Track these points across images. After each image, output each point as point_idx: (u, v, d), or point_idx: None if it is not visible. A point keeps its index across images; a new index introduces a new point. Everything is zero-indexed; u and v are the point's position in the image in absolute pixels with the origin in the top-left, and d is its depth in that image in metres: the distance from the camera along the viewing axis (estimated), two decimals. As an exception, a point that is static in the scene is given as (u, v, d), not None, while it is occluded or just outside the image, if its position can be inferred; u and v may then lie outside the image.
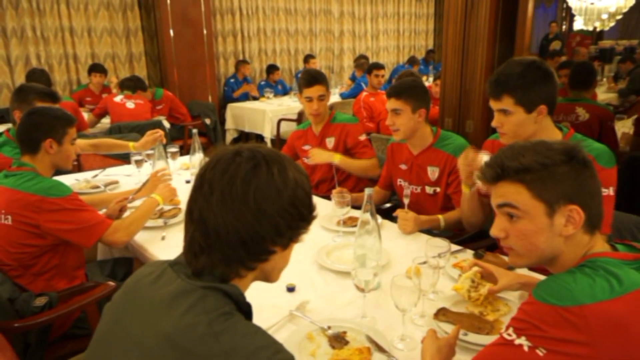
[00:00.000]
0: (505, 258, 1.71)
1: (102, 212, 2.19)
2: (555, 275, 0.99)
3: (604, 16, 4.69)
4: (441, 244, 1.54)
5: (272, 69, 7.14)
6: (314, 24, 8.42)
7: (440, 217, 2.12)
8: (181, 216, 2.12)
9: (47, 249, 1.83)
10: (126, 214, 2.21)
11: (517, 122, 1.67)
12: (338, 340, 1.30)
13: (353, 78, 7.34)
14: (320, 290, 1.60)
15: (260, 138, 6.07)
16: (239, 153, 0.91)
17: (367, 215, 1.58)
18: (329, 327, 1.35)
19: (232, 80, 6.95)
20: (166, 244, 1.96)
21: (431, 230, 2.11)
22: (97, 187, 2.70)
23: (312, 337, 1.33)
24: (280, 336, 1.30)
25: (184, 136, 5.19)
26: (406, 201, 2.12)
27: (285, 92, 7.19)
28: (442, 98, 3.39)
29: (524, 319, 0.94)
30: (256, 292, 1.40)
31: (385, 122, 2.36)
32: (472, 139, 3.06)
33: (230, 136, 6.47)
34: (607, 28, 4.82)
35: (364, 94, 5.01)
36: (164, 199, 2.13)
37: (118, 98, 4.71)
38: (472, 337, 1.29)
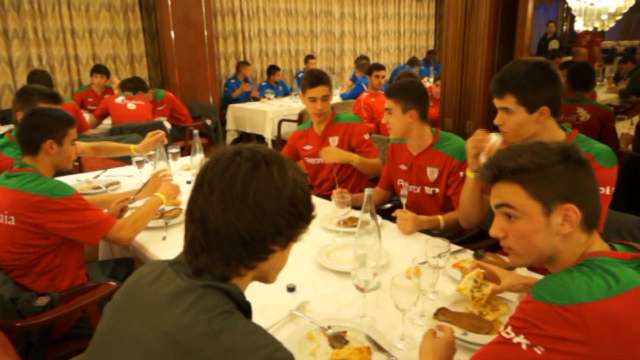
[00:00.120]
0: (506, 258, 1.72)
1: (104, 211, 2.21)
2: (553, 274, 0.99)
3: (604, 17, 4.69)
4: (441, 244, 1.54)
5: (273, 69, 7.15)
6: (314, 25, 8.43)
7: (439, 217, 2.12)
8: (182, 216, 2.13)
9: (50, 248, 1.84)
10: (127, 214, 2.22)
11: (518, 121, 1.68)
12: (338, 339, 1.31)
13: (354, 79, 7.34)
14: (321, 290, 1.61)
15: (261, 139, 6.08)
16: (239, 153, 0.92)
17: (367, 216, 1.58)
18: (329, 327, 1.35)
19: (232, 81, 6.96)
20: (167, 244, 1.97)
21: (431, 231, 2.12)
22: (99, 187, 2.71)
23: (312, 337, 1.33)
24: (280, 336, 1.31)
25: (185, 137, 5.20)
26: (404, 201, 2.13)
27: (286, 92, 7.20)
28: (442, 99, 3.40)
29: (523, 318, 0.95)
30: (257, 292, 1.40)
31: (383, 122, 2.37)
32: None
33: (231, 137, 6.48)
34: (607, 28, 4.82)
35: (365, 94, 5.01)
36: (167, 197, 2.14)
37: (119, 99, 4.72)
38: (472, 337, 1.29)
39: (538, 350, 0.91)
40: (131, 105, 4.69)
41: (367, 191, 1.59)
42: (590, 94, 3.62)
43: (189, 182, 2.78)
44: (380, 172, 2.64)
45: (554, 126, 1.72)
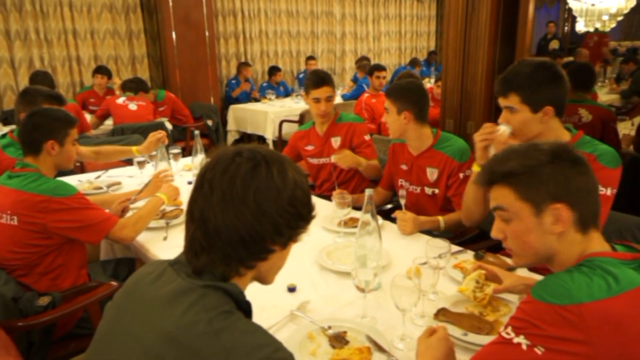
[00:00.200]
0: (506, 259, 1.73)
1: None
2: (554, 274, 1.00)
3: (605, 17, 4.69)
4: (441, 244, 1.55)
5: (274, 70, 7.16)
6: (315, 26, 8.44)
7: (440, 218, 2.12)
8: (183, 217, 2.12)
9: (52, 248, 1.85)
10: (128, 214, 2.23)
11: (522, 121, 1.68)
12: (338, 340, 1.31)
13: (355, 80, 7.35)
14: (321, 291, 1.61)
15: (262, 139, 6.08)
16: (239, 153, 0.92)
17: (368, 216, 1.58)
18: (330, 327, 1.36)
19: (233, 81, 6.97)
20: (168, 244, 1.98)
21: (431, 231, 2.12)
22: (100, 188, 2.72)
23: (312, 337, 1.34)
24: (281, 336, 1.31)
25: (186, 137, 5.21)
26: (402, 202, 2.13)
27: (287, 93, 7.21)
28: (443, 99, 3.40)
29: (523, 318, 0.95)
30: (257, 292, 1.41)
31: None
32: (473, 141, 3.07)
33: (232, 137, 6.48)
34: (608, 29, 4.82)
35: (366, 95, 5.02)
36: (168, 197, 2.15)
37: (120, 100, 4.73)
38: (472, 337, 1.29)
39: (538, 351, 0.91)
40: (132, 106, 4.70)
41: (368, 192, 1.59)
42: (591, 95, 3.62)
43: (190, 183, 2.79)
44: (380, 174, 2.63)
45: (559, 126, 1.72)
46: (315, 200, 2.43)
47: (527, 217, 1.03)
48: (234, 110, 6.43)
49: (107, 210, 2.17)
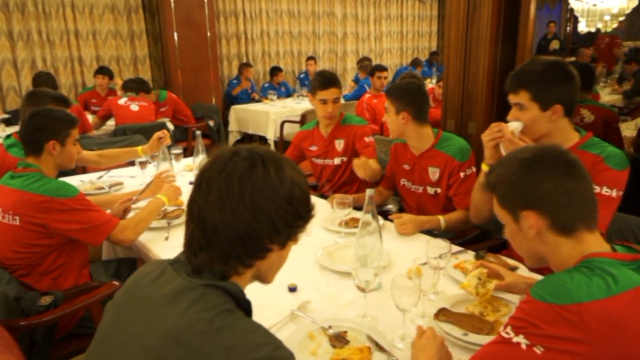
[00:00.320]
0: (507, 259, 1.73)
1: (107, 212, 2.22)
2: (553, 274, 1.01)
3: (607, 17, 4.68)
4: (442, 244, 1.55)
5: (275, 71, 7.17)
6: (317, 26, 8.44)
7: (440, 217, 2.13)
8: (184, 217, 2.14)
9: (54, 248, 1.86)
10: (130, 214, 2.23)
11: (531, 118, 1.67)
12: (339, 339, 1.32)
13: (356, 80, 7.35)
14: (322, 291, 1.62)
15: (263, 140, 6.09)
16: (236, 153, 0.93)
17: (369, 216, 1.59)
18: (330, 327, 1.36)
19: (234, 81, 6.99)
20: (169, 244, 1.98)
21: (432, 231, 2.12)
22: (102, 188, 2.73)
23: (313, 337, 1.34)
24: (281, 335, 1.31)
25: (187, 138, 5.22)
26: (393, 208, 2.12)
27: (288, 94, 7.22)
28: (444, 100, 3.41)
29: (522, 318, 0.95)
30: (258, 292, 1.41)
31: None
32: (474, 141, 3.07)
33: (233, 138, 6.49)
34: (609, 29, 4.81)
35: (367, 95, 5.02)
36: (169, 199, 2.15)
37: (122, 100, 4.74)
38: (472, 337, 1.29)
39: (537, 350, 0.91)
40: (134, 107, 4.71)
41: (369, 192, 1.60)
42: (592, 95, 3.62)
43: (191, 183, 2.79)
44: (380, 175, 2.59)
45: (568, 126, 1.71)
46: (316, 200, 2.44)
47: (510, 223, 1.11)
48: (236, 111, 6.44)
49: (108, 211, 2.19)
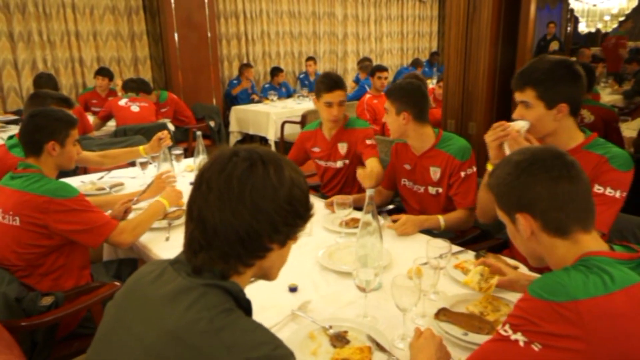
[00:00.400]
0: (507, 259, 1.73)
1: (107, 213, 2.22)
2: (551, 272, 1.01)
3: (607, 18, 4.68)
4: (442, 244, 1.55)
5: (276, 71, 7.17)
6: (317, 27, 8.45)
7: (439, 217, 2.13)
8: (185, 217, 2.14)
9: (54, 248, 1.86)
10: (131, 215, 2.24)
11: (536, 116, 1.66)
12: (339, 339, 1.32)
13: (357, 80, 7.36)
14: (322, 291, 1.62)
15: (264, 140, 6.10)
16: (236, 153, 0.93)
17: (369, 217, 1.59)
18: (330, 327, 1.36)
19: (235, 81, 6.99)
20: (170, 245, 1.99)
21: (432, 231, 2.12)
22: (103, 189, 2.73)
23: (313, 336, 1.34)
24: (282, 335, 1.31)
25: (188, 139, 5.23)
26: (387, 221, 2.09)
27: (289, 94, 7.22)
28: (444, 100, 3.41)
29: (520, 315, 0.96)
30: (259, 292, 1.42)
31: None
32: (474, 141, 3.07)
33: (234, 138, 6.50)
34: (610, 29, 4.81)
35: (367, 96, 5.02)
36: (170, 202, 2.14)
37: (122, 101, 4.74)
38: (472, 337, 1.30)
39: (535, 347, 0.92)
40: (135, 108, 4.72)
41: (369, 192, 1.60)
42: (592, 95, 3.62)
43: (192, 184, 2.79)
44: (382, 178, 2.52)
45: (573, 126, 1.71)
46: (317, 200, 2.44)
47: (508, 224, 1.14)
48: (236, 112, 6.44)
49: (109, 211, 2.19)
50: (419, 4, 10.08)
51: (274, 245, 0.95)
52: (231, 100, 6.86)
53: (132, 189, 2.66)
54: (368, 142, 2.59)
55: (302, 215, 0.97)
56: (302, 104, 6.34)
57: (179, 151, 3.07)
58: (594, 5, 4.63)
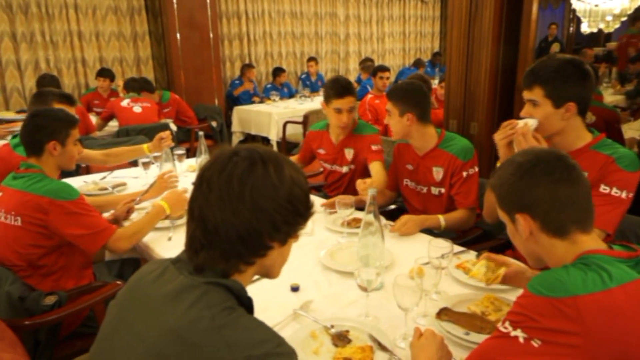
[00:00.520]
0: (509, 260, 1.73)
1: (110, 213, 2.23)
2: (550, 269, 1.03)
3: (609, 18, 4.67)
4: (444, 244, 1.56)
5: (278, 71, 7.17)
6: (319, 27, 8.45)
7: (440, 216, 2.13)
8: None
9: (54, 249, 1.86)
10: (134, 215, 2.24)
11: (543, 115, 1.66)
12: (341, 338, 1.32)
13: (358, 81, 7.36)
14: (324, 290, 1.62)
15: (266, 141, 6.11)
16: (236, 153, 0.94)
17: (371, 217, 1.59)
18: (332, 326, 1.37)
19: (237, 82, 7.00)
20: (172, 245, 1.99)
21: (433, 231, 2.12)
22: (105, 188, 2.74)
23: (315, 336, 1.35)
24: (284, 334, 1.31)
25: (190, 139, 5.24)
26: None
27: (291, 94, 7.23)
28: (446, 100, 3.41)
29: (520, 312, 0.97)
30: (261, 292, 1.42)
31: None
32: (476, 141, 3.07)
33: (236, 139, 6.51)
34: (612, 30, 4.80)
35: (369, 96, 5.02)
36: (172, 207, 2.10)
37: (125, 102, 4.75)
38: (474, 337, 1.30)
39: (535, 344, 0.93)
40: (137, 109, 4.73)
41: (371, 192, 1.60)
42: (594, 96, 3.60)
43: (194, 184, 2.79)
44: (384, 185, 2.48)
45: (580, 125, 1.70)
46: (319, 199, 2.44)
47: (508, 223, 1.15)
48: (238, 112, 6.45)
49: (112, 212, 2.20)
50: (421, 4, 10.07)
51: (274, 243, 0.96)
52: (233, 101, 6.87)
53: (134, 189, 2.66)
54: (374, 147, 2.54)
55: (303, 213, 0.98)
56: (304, 104, 6.35)
57: (181, 151, 3.08)
58: (596, 6, 4.62)
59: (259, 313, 0.98)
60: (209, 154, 2.84)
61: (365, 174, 2.58)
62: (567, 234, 1.06)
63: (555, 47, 8.75)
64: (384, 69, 5.12)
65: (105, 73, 5.48)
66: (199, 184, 0.94)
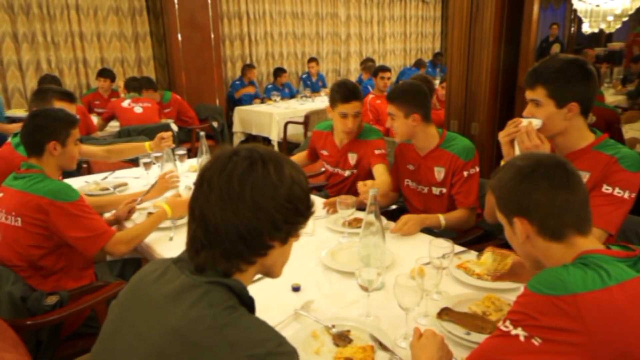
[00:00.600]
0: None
1: (112, 213, 2.24)
2: (549, 268, 1.03)
3: (610, 18, 4.66)
4: (445, 245, 1.56)
5: (279, 72, 7.18)
6: (320, 27, 8.46)
7: (440, 215, 2.13)
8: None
9: (53, 249, 1.86)
10: (135, 215, 2.25)
11: (546, 115, 1.65)
12: (342, 338, 1.32)
13: (360, 81, 7.36)
14: (325, 290, 1.63)
15: (267, 141, 6.11)
16: (236, 153, 0.95)
17: (372, 217, 1.60)
18: (333, 326, 1.37)
19: (237, 82, 7.00)
20: (174, 245, 2.00)
21: (433, 230, 2.13)
22: (107, 189, 2.74)
23: (316, 336, 1.35)
24: (285, 334, 1.30)
25: (191, 139, 5.24)
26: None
27: (292, 95, 7.23)
28: (447, 101, 3.41)
29: (520, 311, 0.98)
30: (262, 291, 1.43)
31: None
32: (477, 141, 3.08)
33: (237, 139, 6.51)
34: (613, 30, 4.79)
35: (370, 96, 5.02)
36: (174, 211, 2.09)
37: (125, 103, 4.76)
38: (475, 337, 1.30)
39: (535, 342, 0.93)
40: (138, 109, 4.73)
41: (372, 192, 1.61)
42: (596, 96, 3.60)
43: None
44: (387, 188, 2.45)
45: (582, 125, 1.69)
46: (319, 199, 2.44)
47: (506, 225, 1.16)
48: (239, 112, 6.46)
49: (114, 211, 2.20)
50: (422, 4, 10.07)
51: (275, 242, 0.96)
52: (234, 102, 6.88)
53: (135, 189, 2.67)
54: (377, 152, 2.51)
55: (303, 212, 0.98)
56: (305, 105, 6.35)
57: (182, 151, 3.08)
58: (597, 6, 4.61)
59: (260, 313, 0.98)
60: (210, 154, 2.85)
61: (368, 178, 2.52)
62: (565, 238, 1.07)
63: (556, 48, 8.74)
64: (385, 69, 5.13)
65: (105, 73, 5.48)
66: (199, 184, 0.95)
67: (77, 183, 2.77)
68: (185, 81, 6.49)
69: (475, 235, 2.24)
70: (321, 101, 6.60)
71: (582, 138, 1.69)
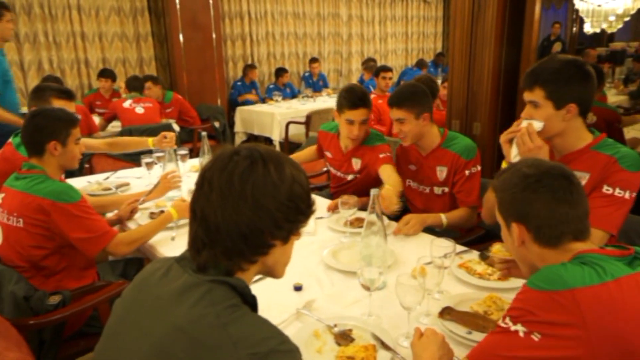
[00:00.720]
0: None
1: (114, 213, 2.24)
2: (548, 265, 1.04)
3: (612, 18, 4.66)
4: (446, 244, 1.56)
5: (280, 72, 7.19)
6: (322, 27, 8.47)
7: (441, 214, 2.13)
8: (191, 217, 2.14)
9: (55, 250, 1.87)
10: (137, 215, 2.25)
11: (544, 117, 1.64)
12: (344, 337, 1.33)
13: (361, 81, 7.36)
14: (327, 289, 1.63)
15: (269, 141, 6.12)
16: (236, 152, 0.95)
17: (374, 216, 1.60)
18: (335, 325, 1.37)
19: (239, 83, 7.01)
20: (176, 244, 2.00)
21: (435, 229, 2.13)
22: (109, 189, 2.75)
23: (318, 335, 1.35)
24: (287, 333, 1.31)
25: (193, 139, 5.25)
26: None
27: (293, 95, 7.24)
28: (449, 100, 3.41)
29: (519, 307, 0.99)
30: (264, 291, 1.43)
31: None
32: (479, 141, 3.07)
33: (239, 139, 6.52)
34: (615, 30, 4.79)
35: (372, 96, 5.01)
36: (179, 213, 2.09)
37: (127, 103, 4.77)
38: (476, 336, 1.30)
39: (535, 337, 0.95)
40: (139, 109, 4.74)
41: (373, 192, 1.61)
42: (598, 96, 3.60)
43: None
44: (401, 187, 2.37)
45: (581, 126, 1.69)
46: (320, 198, 2.44)
47: (503, 227, 1.19)
48: (241, 112, 6.47)
49: (116, 211, 2.20)
50: (424, 4, 10.07)
51: (276, 241, 0.97)
52: (235, 103, 6.88)
53: (138, 189, 2.68)
54: (382, 155, 2.45)
55: (304, 211, 0.98)
56: (307, 105, 6.36)
57: (184, 151, 3.09)
58: (599, 6, 4.61)
59: (262, 312, 0.99)
60: (211, 154, 2.85)
61: (372, 183, 2.45)
62: (560, 245, 1.09)
63: (557, 47, 8.73)
64: (386, 69, 5.14)
65: (106, 74, 5.50)
66: (200, 184, 0.95)
67: (79, 183, 2.78)
68: (187, 81, 6.49)
69: (476, 234, 2.24)
70: (322, 101, 6.61)
71: (580, 139, 1.69)
